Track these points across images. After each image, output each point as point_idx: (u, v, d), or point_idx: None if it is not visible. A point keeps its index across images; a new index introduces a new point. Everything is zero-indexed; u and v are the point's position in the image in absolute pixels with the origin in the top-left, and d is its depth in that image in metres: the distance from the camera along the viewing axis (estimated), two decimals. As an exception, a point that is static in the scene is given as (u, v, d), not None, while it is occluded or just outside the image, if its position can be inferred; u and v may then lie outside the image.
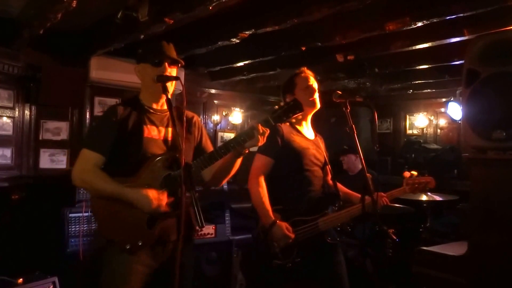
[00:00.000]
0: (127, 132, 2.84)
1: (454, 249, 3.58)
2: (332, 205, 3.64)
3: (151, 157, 2.83)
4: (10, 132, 5.51)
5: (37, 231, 5.27)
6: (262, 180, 3.57)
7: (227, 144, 2.80)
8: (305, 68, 3.83)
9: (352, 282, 3.94)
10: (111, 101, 6.35)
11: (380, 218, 3.36)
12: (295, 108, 2.78)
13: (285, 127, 3.64)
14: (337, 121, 7.59)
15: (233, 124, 7.98)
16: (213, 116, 7.78)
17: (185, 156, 2.88)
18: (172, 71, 2.94)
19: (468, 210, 3.54)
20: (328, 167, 3.82)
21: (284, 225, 3.40)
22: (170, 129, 2.97)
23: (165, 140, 2.94)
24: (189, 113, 3.15)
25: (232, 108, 7.94)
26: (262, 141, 2.78)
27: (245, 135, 2.77)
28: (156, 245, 2.86)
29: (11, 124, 5.51)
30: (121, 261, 2.77)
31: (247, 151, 2.88)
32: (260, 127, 2.74)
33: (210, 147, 3.17)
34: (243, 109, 8.03)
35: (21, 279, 3.81)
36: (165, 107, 2.95)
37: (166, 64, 2.90)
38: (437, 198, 5.51)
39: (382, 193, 3.68)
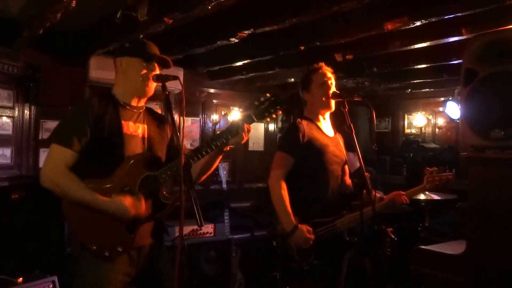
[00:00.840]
0: (103, 128, 2.69)
1: (452, 248, 3.59)
2: (349, 205, 3.59)
3: (128, 156, 2.72)
4: (10, 132, 5.52)
5: (37, 231, 5.27)
6: (283, 181, 3.47)
7: (210, 142, 2.76)
8: (323, 63, 3.79)
9: (350, 281, 3.95)
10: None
11: (379, 217, 3.37)
12: (275, 104, 2.76)
13: (305, 123, 3.62)
14: (335, 121, 7.61)
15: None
16: (212, 116, 7.78)
17: (160, 154, 2.91)
18: (156, 71, 2.85)
19: (467, 209, 3.55)
20: (347, 166, 3.74)
21: (305, 228, 3.36)
22: (146, 126, 2.89)
23: (143, 138, 2.87)
24: (158, 113, 3.13)
25: (231, 107, 7.94)
26: (246, 138, 2.75)
27: (228, 133, 2.75)
28: (132, 251, 2.75)
29: (10, 123, 5.52)
30: (97, 271, 2.62)
31: (228, 149, 2.84)
32: (245, 125, 2.74)
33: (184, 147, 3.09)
34: (242, 108, 8.03)
35: (21, 279, 3.82)
36: (141, 104, 2.91)
37: (156, 63, 2.85)
38: (436, 197, 5.52)
39: (401, 192, 3.59)
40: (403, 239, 5.32)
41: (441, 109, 7.34)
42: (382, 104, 8.07)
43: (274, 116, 2.81)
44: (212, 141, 2.76)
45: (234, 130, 2.74)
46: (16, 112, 5.59)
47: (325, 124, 3.76)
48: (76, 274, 2.70)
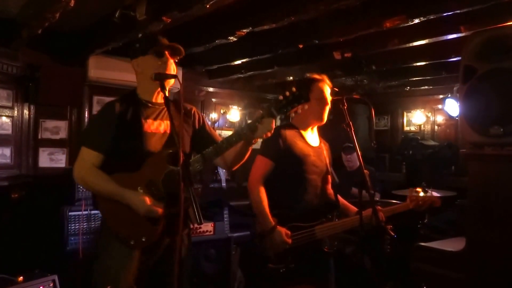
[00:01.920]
0: (126, 128, 2.84)
1: (452, 245, 3.59)
2: (330, 213, 3.63)
3: (154, 152, 2.84)
4: (9, 132, 5.52)
5: (37, 230, 5.28)
6: (261, 184, 3.55)
7: (239, 131, 2.79)
8: (326, 76, 3.74)
9: (350, 278, 3.95)
10: (110, 99, 6.36)
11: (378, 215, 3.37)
12: (300, 98, 2.70)
13: (289, 131, 3.65)
14: (334, 119, 7.61)
15: (231, 122, 7.98)
16: (211, 114, 7.79)
17: (184, 148, 2.93)
18: (172, 63, 2.94)
19: (466, 206, 3.55)
20: (329, 176, 3.80)
21: (283, 230, 3.41)
22: (169, 122, 2.91)
23: (165, 134, 2.94)
24: (187, 106, 3.15)
25: (230, 106, 7.95)
26: (272, 128, 2.74)
27: (247, 129, 2.76)
28: (154, 242, 2.86)
29: (10, 123, 5.52)
30: (117, 257, 2.79)
31: (256, 141, 2.86)
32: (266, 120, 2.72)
33: (216, 134, 3.19)
34: (241, 107, 8.04)
35: (21, 277, 3.81)
36: (162, 100, 2.95)
37: (167, 54, 2.92)
38: (435, 194, 5.52)
39: (379, 207, 3.61)
40: (403, 236, 5.31)
41: (440, 106, 7.35)
42: (381, 102, 8.08)
43: (296, 110, 2.75)
44: (242, 130, 2.79)
45: (260, 120, 2.73)
46: (16, 111, 5.59)
47: (311, 134, 3.81)
48: (99, 258, 2.89)
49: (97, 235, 2.92)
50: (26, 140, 5.71)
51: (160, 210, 2.75)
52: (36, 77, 5.56)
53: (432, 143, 7.35)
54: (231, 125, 8.01)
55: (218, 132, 7.84)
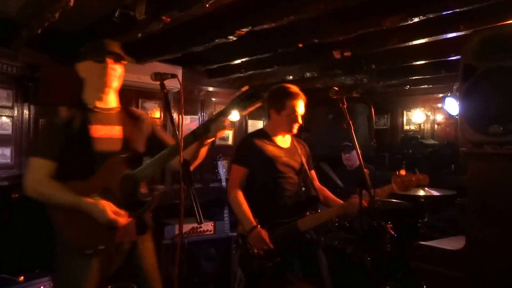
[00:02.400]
0: (74, 134, 2.80)
1: (452, 243, 3.59)
2: (312, 207, 3.83)
3: (107, 156, 2.81)
4: (9, 132, 5.52)
5: (37, 230, 5.27)
6: (238, 189, 3.79)
7: (196, 130, 2.82)
8: (300, 91, 3.91)
9: (350, 277, 3.97)
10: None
11: (378, 214, 3.39)
12: (252, 96, 2.78)
13: (257, 137, 3.90)
14: (334, 118, 7.62)
15: (231, 121, 7.98)
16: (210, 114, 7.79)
17: (139, 152, 2.98)
18: (117, 68, 2.92)
19: (466, 204, 3.55)
20: (312, 172, 4.09)
21: (263, 231, 3.62)
22: (121, 127, 2.95)
23: (118, 139, 2.92)
24: (137, 111, 3.19)
25: (230, 105, 7.93)
26: (228, 127, 2.81)
27: (202, 128, 2.81)
28: (112, 248, 2.84)
29: (10, 123, 5.52)
30: (75, 268, 2.74)
31: (209, 141, 2.91)
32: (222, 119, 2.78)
33: (168, 138, 3.18)
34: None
35: (22, 277, 3.83)
36: (112, 105, 2.99)
37: (109, 60, 2.87)
38: (435, 193, 5.53)
39: (356, 199, 3.61)
40: (403, 235, 5.33)
41: (440, 105, 7.35)
42: (381, 101, 8.07)
43: (251, 108, 2.82)
44: (197, 130, 2.82)
45: (215, 119, 2.78)
46: (16, 111, 5.59)
47: (282, 138, 4.00)
48: (57, 270, 2.85)
49: (54, 247, 2.82)
50: (26, 140, 5.70)
51: (122, 220, 2.74)
52: (36, 77, 5.55)
53: (432, 142, 7.36)
54: (231, 124, 8.01)
55: (218, 131, 7.85)
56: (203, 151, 2.98)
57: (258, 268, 3.68)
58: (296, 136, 4.14)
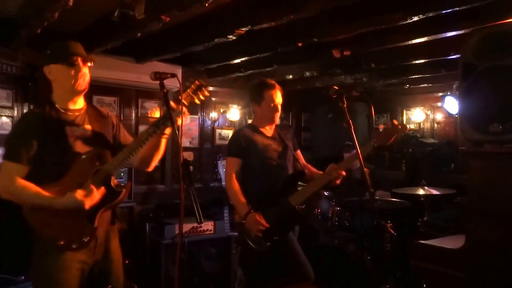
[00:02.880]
0: (48, 137, 2.84)
1: (452, 242, 3.59)
2: (297, 182, 4.16)
3: (77, 156, 2.87)
4: (9, 131, 5.52)
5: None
6: (234, 179, 4.08)
7: (155, 122, 2.94)
8: (274, 82, 4.21)
9: (350, 276, 3.98)
10: (109, 99, 6.40)
11: (378, 213, 3.39)
12: (201, 87, 3.01)
13: (247, 130, 4.23)
14: (334, 117, 7.62)
15: (231, 121, 7.98)
16: (210, 114, 7.79)
17: (107, 148, 3.06)
18: (86, 70, 2.96)
19: (466, 203, 3.55)
20: (298, 152, 4.40)
21: (257, 214, 3.89)
22: (90, 126, 3.01)
23: (88, 137, 2.98)
24: (103, 110, 3.26)
25: (230, 105, 7.94)
26: (185, 114, 2.89)
27: (162, 119, 2.92)
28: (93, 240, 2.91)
29: (10, 123, 5.52)
30: (56, 261, 2.79)
31: (167, 132, 3.01)
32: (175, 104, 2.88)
33: (128, 138, 3.25)
34: (241, 106, 8.03)
35: (22, 277, 3.82)
36: (81, 106, 3.04)
37: (80, 62, 2.91)
38: (435, 192, 5.54)
39: (334, 165, 4.02)
40: (403, 234, 5.33)
41: (439, 104, 7.34)
42: (381, 100, 8.05)
43: (198, 98, 3.06)
44: (150, 129, 2.94)
45: (167, 116, 2.84)
46: (15, 111, 5.59)
47: (268, 129, 4.30)
48: (35, 267, 2.86)
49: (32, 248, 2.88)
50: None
51: (95, 196, 2.81)
52: (36, 77, 5.56)
53: (431, 141, 7.35)
54: (231, 124, 8.01)
55: (218, 131, 7.87)
56: (161, 143, 3.09)
57: (257, 250, 3.90)
58: (278, 126, 4.40)
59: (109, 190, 2.92)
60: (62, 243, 2.77)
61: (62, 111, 2.94)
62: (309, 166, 4.41)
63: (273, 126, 4.32)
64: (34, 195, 2.76)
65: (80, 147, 2.90)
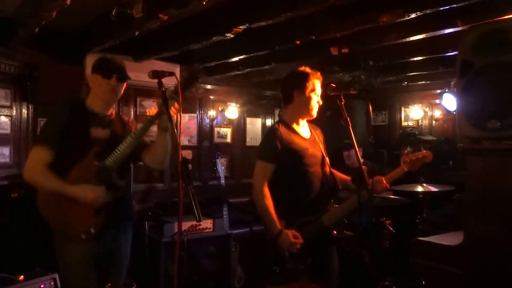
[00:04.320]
0: (73, 132, 3.19)
1: (450, 239, 3.59)
2: (331, 199, 3.70)
3: (90, 153, 3.17)
4: (8, 131, 5.55)
5: (37, 229, 5.26)
6: (266, 189, 3.58)
7: (143, 125, 3.21)
8: (320, 73, 3.82)
9: (349, 273, 3.96)
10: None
11: (377, 210, 3.39)
12: (192, 81, 3.28)
13: (282, 129, 3.69)
14: (332, 115, 7.62)
15: (229, 119, 7.99)
16: (209, 112, 7.80)
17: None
18: (120, 85, 3.31)
19: (464, 200, 3.55)
20: (326, 159, 3.83)
21: (290, 233, 3.47)
22: (110, 130, 3.35)
23: (108, 139, 3.31)
24: (125, 117, 3.69)
25: (228, 103, 7.95)
26: (178, 105, 2.97)
27: (154, 117, 3.17)
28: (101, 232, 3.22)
29: (8, 122, 5.54)
30: (75, 252, 3.16)
31: (164, 126, 3.21)
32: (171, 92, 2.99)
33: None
34: (239, 104, 8.04)
35: (22, 276, 3.82)
36: (110, 111, 3.43)
37: (115, 78, 3.23)
38: (433, 189, 5.55)
39: (380, 177, 3.70)
40: (402, 231, 5.33)
41: (437, 101, 7.35)
42: (379, 97, 8.08)
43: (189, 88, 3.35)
44: (141, 126, 3.23)
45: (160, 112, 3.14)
46: (14, 111, 5.61)
47: (302, 126, 3.85)
48: (59, 257, 3.27)
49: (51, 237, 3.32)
50: (25, 139, 5.72)
51: (101, 192, 3.12)
52: (34, 76, 5.57)
53: (430, 138, 7.36)
54: (229, 122, 8.02)
55: (216, 129, 7.88)
56: (166, 139, 3.31)
57: (291, 271, 3.51)
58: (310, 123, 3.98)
59: (111, 183, 3.21)
60: (72, 233, 3.12)
61: (92, 113, 3.31)
62: (337, 173, 3.95)
63: (307, 123, 3.89)
64: (53, 182, 3.11)
65: (98, 145, 3.21)
